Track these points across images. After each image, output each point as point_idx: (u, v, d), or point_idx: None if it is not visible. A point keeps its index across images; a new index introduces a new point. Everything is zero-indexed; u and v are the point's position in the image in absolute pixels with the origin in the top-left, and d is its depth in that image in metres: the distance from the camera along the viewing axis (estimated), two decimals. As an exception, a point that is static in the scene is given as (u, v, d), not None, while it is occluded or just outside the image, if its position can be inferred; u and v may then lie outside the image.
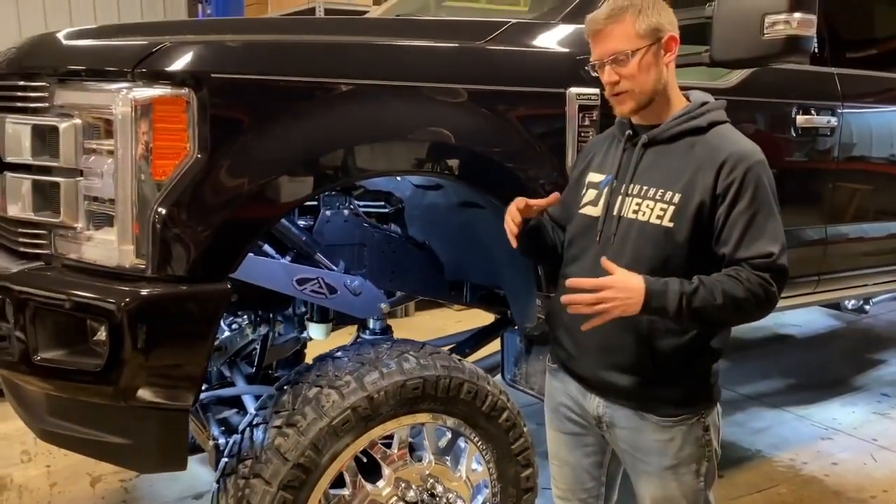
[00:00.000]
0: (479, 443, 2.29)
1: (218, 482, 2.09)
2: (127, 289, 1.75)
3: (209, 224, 1.78)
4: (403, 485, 2.18)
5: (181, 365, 1.84)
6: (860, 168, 3.23)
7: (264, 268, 2.22)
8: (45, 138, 1.84)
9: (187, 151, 1.74)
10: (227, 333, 2.75)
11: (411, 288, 2.83)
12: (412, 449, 2.23)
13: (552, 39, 2.32)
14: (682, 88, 1.82)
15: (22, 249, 1.93)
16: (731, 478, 3.38)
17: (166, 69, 1.74)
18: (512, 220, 1.85)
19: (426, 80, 2.06)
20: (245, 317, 2.72)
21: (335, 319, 2.63)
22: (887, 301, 5.10)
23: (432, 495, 2.21)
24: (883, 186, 3.37)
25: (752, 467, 3.51)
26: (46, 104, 1.85)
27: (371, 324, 2.61)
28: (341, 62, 1.99)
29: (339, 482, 2.09)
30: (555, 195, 1.88)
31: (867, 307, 5.15)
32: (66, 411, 2.00)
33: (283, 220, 2.26)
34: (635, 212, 1.75)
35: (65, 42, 1.95)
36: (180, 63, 1.75)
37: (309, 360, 2.36)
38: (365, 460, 2.15)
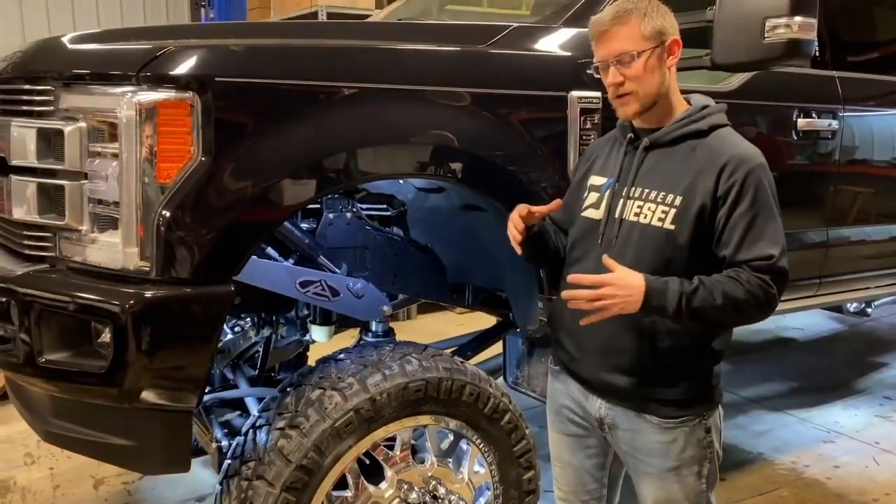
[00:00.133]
0: (482, 445, 2.30)
1: (221, 484, 2.10)
2: (131, 291, 1.76)
3: (213, 227, 1.79)
4: (406, 486, 2.18)
5: (185, 367, 1.85)
6: (861, 171, 3.24)
7: (267, 270, 2.23)
8: (50, 141, 1.86)
9: (191, 155, 1.75)
10: (229, 336, 2.76)
11: (413, 290, 2.84)
12: (414, 451, 2.23)
13: (554, 43, 2.33)
14: (683, 92, 1.83)
15: (27, 252, 1.94)
16: (733, 480, 3.38)
17: (170, 73, 1.75)
18: (514, 227, 1.86)
19: (428, 84, 2.07)
20: (248, 319, 2.73)
21: (338, 322, 2.64)
22: (889, 304, 5.08)
23: (434, 497, 2.22)
24: (884, 189, 3.37)
25: (753, 470, 3.52)
26: (51, 108, 1.86)
27: (373, 326, 2.61)
28: (344, 66, 2.00)
29: (341, 484, 2.09)
30: (557, 202, 1.89)
31: (869, 310, 5.12)
32: (70, 413, 2.02)
33: (286, 223, 2.27)
34: (637, 214, 1.76)
35: (70, 46, 1.96)
36: (184, 67, 1.76)
37: (311, 362, 2.37)
38: (367, 462, 2.16)
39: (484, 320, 3.02)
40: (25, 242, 1.93)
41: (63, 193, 1.83)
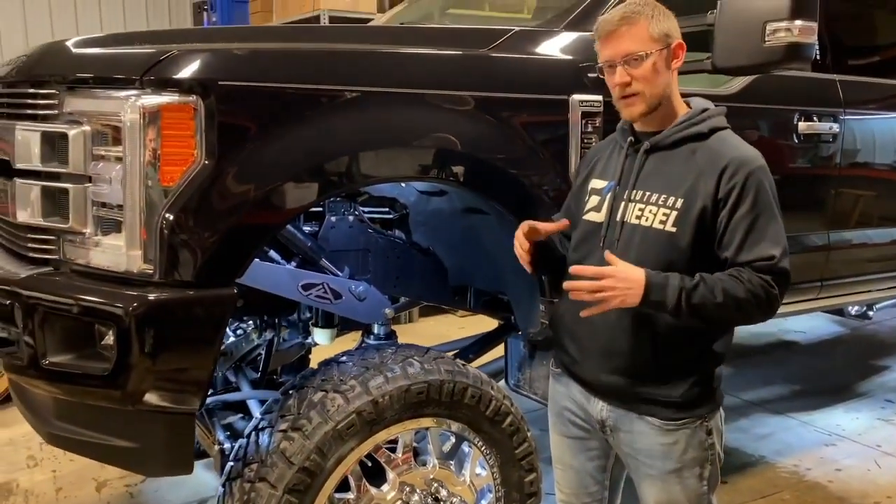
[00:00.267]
0: (483, 447, 2.30)
1: (223, 486, 2.10)
2: (135, 294, 1.77)
3: (216, 230, 1.80)
4: (408, 489, 2.18)
5: (188, 369, 1.85)
6: (862, 174, 3.24)
7: (270, 273, 2.24)
8: (54, 145, 1.86)
9: (195, 158, 1.76)
10: (232, 339, 2.77)
11: (415, 293, 2.84)
12: (416, 453, 2.24)
13: (555, 47, 2.34)
14: (684, 95, 1.84)
15: (31, 255, 1.95)
16: (735, 483, 3.38)
17: (174, 77, 1.76)
18: (521, 247, 1.87)
19: (430, 88, 2.08)
20: (250, 322, 2.73)
21: (340, 325, 2.65)
22: (891, 307, 5.08)
23: (436, 499, 2.22)
24: (885, 192, 3.37)
25: (755, 473, 3.51)
26: (56, 111, 1.87)
27: (375, 329, 2.62)
28: (346, 70, 2.02)
29: (343, 486, 2.10)
30: (564, 222, 1.90)
31: (871, 313, 5.13)
32: (73, 415, 2.02)
33: (289, 226, 2.28)
34: (638, 217, 1.76)
35: (74, 50, 1.97)
36: (188, 71, 1.77)
37: (313, 365, 2.37)
38: (370, 464, 2.16)
39: (486, 323, 3.02)
40: (29, 245, 1.94)
41: (67, 197, 1.84)
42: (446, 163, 2.11)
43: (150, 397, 1.82)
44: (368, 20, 5.18)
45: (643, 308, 1.65)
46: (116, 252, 1.80)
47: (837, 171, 3.06)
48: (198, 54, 1.82)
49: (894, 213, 3.39)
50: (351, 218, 2.53)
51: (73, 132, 1.81)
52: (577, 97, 2.25)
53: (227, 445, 2.42)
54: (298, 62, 2.00)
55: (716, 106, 1.83)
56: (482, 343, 2.98)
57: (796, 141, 2.87)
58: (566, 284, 1.66)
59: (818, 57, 2.92)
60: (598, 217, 1.85)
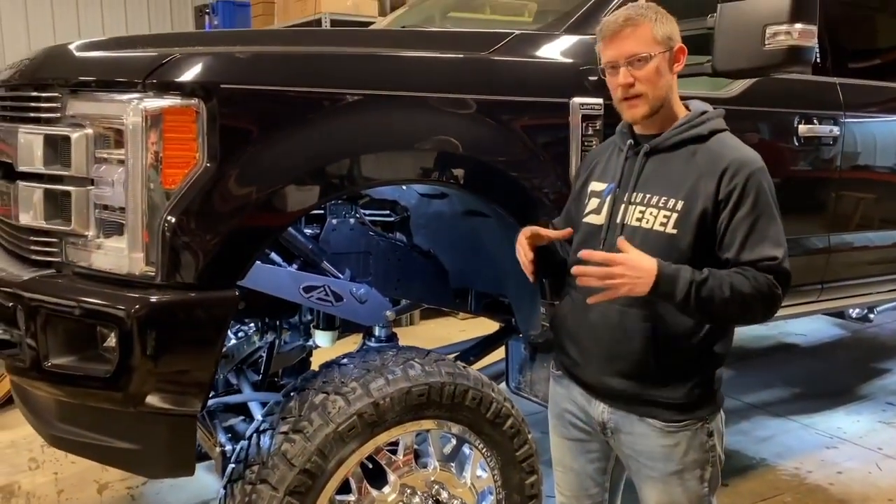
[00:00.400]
0: (484, 449, 2.31)
1: (225, 488, 2.10)
2: (137, 296, 1.77)
3: (218, 232, 1.81)
4: (409, 491, 2.19)
5: (190, 371, 1.86)
6: (863, 177, 3.25)
7: (271, 276, 2.24)
8: (56, 148, 1.87)
9: (196, 161, 1.77)
10: (233, 341, 2.77)
11: (416, 296, 2.85)
12: (417, 455, 2.24)
13: (556, 50, 2.34)
14: (683, 98, 1.85)
15: (33, 257, 1.95)
16: (736, 486, 3.38)
17: (176, 80, 1.77)
18: (524, 254, 1.87)
19: (431, 91, 2.08)
20: (252, 324, 2.74)
21: (341, 327, 2.66)
22: (892, 310, 5.09)
23: (437, 501, 2.22)
24: (886, 195, 3.37)
25: (756, 476, 3.51)
26: (58, 114, 1.88)
27: (376, 331, 2.63)
28: (348, 73, 2.02)
29: (345, 488, 2.10)
30: (567, 231, 1.90)
31: (871, 316, 5.14)
32: (75, 417, 2.03)
33: (290, 229, 2.28)
34: (639, 219, 1.77)
35: (77, 53, 1.98)
36: (190, 74, 1.78)
37: (315, 367, 2.38)
38: (371, 466, 2.17)
39: (487, 326, 3.03)
40: (32, 248, 1.95)
41: (69, 199, 1.85)
42: (447, 165, 2.12)
43: (152, 399, 1.83)
44: (370, 23, 5.18)
45: (651, 297, 1.64)
46: (118, 254, 1.81)
47: (838, 174, 3.07)
48: (200, 58, 1.83)
49: (895, 216, 3.39)
50: (352, 220, 2.53)
51: (75, 135, 1.82)
52: (577, 100, 2.25)
53: (228, 447, 2.42)
54: (300, 65, 2.01)
55: (715, 109, 1.84)
56: (483, 345, 2.98)
57: (797, 144, 2.88)
58: (575, 269, 1.63)
59: (818, 60, 2.93)
60: (599, 219, 1.85)
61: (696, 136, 1.77)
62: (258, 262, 2.07)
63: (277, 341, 2.82)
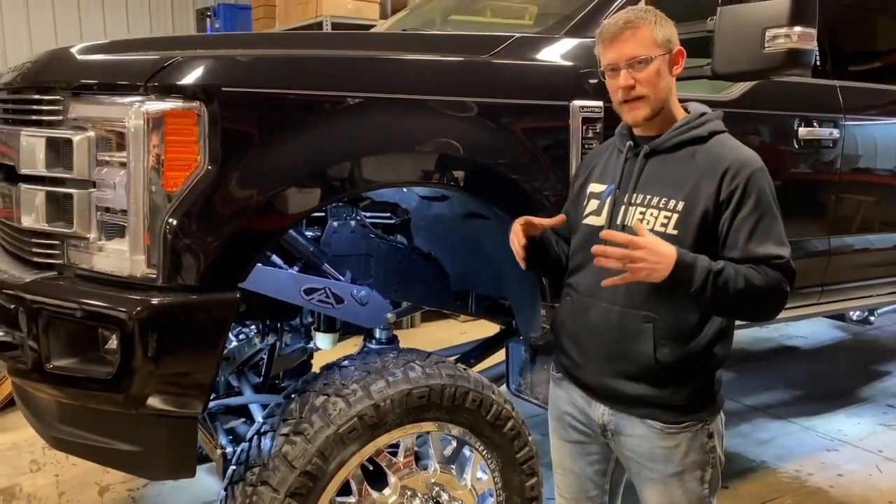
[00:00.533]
0: (484, 451, 2.31)
1: (226, 489, 2.11)
2: (138, 298, 1.78)
3: (219, 234, 1.81)
4: (409, 493, 2.19)
5: (191, 373, 1.86)
6: (863, 179, 3.25)
7: (272, 278, 2.25)
8: (59, 150, 1.88)
9: (198, 163, 1.78)
10: (234, 343, 2.78)
11: (417, 298, 2.85)
12: (418, 457, 2.24)
13: (556, 53, 2.35)
14: (682, 101, 1.86)
15: (35, 259, 1.96)
16: (736, 489, 3.38)
17: (178, 83, 1.77)
18: (516, 240, 1.88)
19: (432, 94, 2.09)
20: (253, 326, 2.74)
21: (342, 329, 2.66)
22: (892, 312, 5.10)
23: (437, 503, 2.23)
24: (886, 198, 3.38)
25: (756, 478, 3.51)
26: (60, 117, 1.89)
27: (377, 334, 2.63)
28: (349, 76, 2.03)
29: (345, 490, 2.10)
30: (560, 217, 1.91)
31: (872, 318, 5.15)
32: (76, 419, 2.03)
33: (291, 231, 2.29)
34: (639, 221, 1.77)
35: (79, 57, 1.99)
36: (192, 77, 1.78)
37: (315, 369, 2.38)
38: (371, 468, 2.17)
39: (487, 328, 3.03)
40: (34, 250, 1.96)
41: (71, 202, 1.85)
42: (448, 168, 2.12)
43: (154, 401, 1.83)
44: (371, 26, 5.20)
45: (667, 284, 1.63)
46: (120, 256, 1.82)
47: (838, 177, 3.07)
48: (201, 61, 1.83)
49: (895, 219, 3.39)
50: (353, 223, 2.54)
51: (77, 138, 1.82)
52: (577, 103, 2.26)
53: (229, 449, 2.42)
54: (301, 68, 2.01)
55: (713, 111, 1.85)
56: (483, 348, 2.98)
57: (797, 146, 2.88)
58: (596, 248, 1.63)
59: (818, 63, 2.94)
60: (599, 221, 1.86)
61: (695, 137, 1.77)
62: (259, 265, 2.07)
63: (278, 343, 2.82)
